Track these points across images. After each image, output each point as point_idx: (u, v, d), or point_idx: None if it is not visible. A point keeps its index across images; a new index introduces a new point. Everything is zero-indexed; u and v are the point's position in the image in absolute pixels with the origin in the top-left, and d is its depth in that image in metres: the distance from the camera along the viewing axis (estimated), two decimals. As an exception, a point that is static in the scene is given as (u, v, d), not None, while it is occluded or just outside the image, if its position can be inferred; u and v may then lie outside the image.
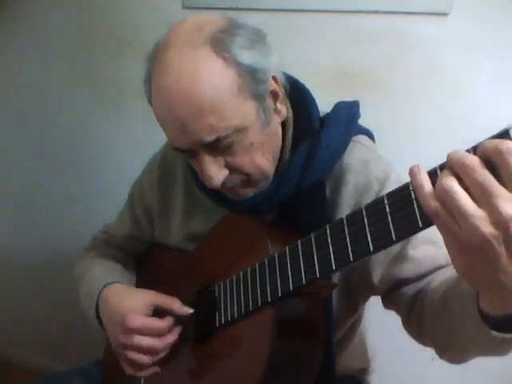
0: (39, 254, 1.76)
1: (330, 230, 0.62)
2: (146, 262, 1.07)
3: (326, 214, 0.78)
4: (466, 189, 0.42)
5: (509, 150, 0.40)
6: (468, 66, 1.10)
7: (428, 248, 0.75)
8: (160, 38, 0.73)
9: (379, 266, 0.77)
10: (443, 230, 0.46)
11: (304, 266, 0.65)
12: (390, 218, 0.53)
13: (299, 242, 0.67)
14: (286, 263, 0.68)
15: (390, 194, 0.53)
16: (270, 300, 0.69)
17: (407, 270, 0.75)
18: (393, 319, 0.81)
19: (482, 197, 0.41)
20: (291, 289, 0.66)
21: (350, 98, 0.85)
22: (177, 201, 0.94)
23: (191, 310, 0.83)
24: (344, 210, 0.78)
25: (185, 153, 0.76)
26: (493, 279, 0.44)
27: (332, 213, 0.79)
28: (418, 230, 0.50)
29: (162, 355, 0.82)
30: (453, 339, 0.65)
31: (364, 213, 0.57)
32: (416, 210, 0.49)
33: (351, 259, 0.59)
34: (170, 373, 0.85)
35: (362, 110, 0.84)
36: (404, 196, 0.51)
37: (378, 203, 0.55)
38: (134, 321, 0.80)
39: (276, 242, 0.73)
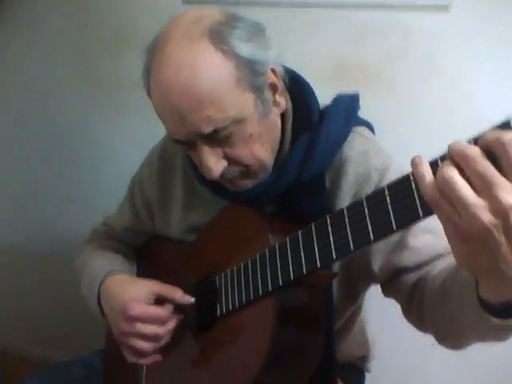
0: (39, 254, 1.76)
1: (330, 220, 0.63)
2: (145, 253, 1.07)
3: (326, 205, 0.78)
4: (467, 179, 0.43)
5: (510, 141, 0.40)
6: (469, 61, 1.10)
7: (428, 237, 0.75)
8: (159, 31, 0.73)
9: (379, 254, 0.78)
10: (443, 220, 0.46)
11: (305, 256, 0.66)
12: (390, 208, 0.53)
13: (300, 232, 0.67)
14: (287, 253, 0.68)
15: (391, 184, 0.54)
16: (271, 290, 0.69)
17: (407, 258, 0.76)
18: (392, 307, 0.81)
19: (483, 187, 0.42)
20: (292, 278, 0.67)
21: (351, 92, 0.84)
22: (176, 193, 0.94)
23: (193, 299, 0.83)
24: (344, 200, 0.79)
25: (184, 144, 0.76)
26: (493, 268, 0.44)
27: (332, 204, 0.79)
28: (418, 219, 0.50)
29: (163, 343, 0.83)
30: (453, 327, 0.65)
31: (365, 203, 0.57)
32: (417, 199, 0.50)
33: (352, 248, 0.59)
34: (172, 361, 0.86)
35: (363, 104, 0.83)
36: (405, 186, 0.51)
37: (378, 193, 0.55)
38: (135, 309, 0.81)
39: (276, 232, 0.73)
